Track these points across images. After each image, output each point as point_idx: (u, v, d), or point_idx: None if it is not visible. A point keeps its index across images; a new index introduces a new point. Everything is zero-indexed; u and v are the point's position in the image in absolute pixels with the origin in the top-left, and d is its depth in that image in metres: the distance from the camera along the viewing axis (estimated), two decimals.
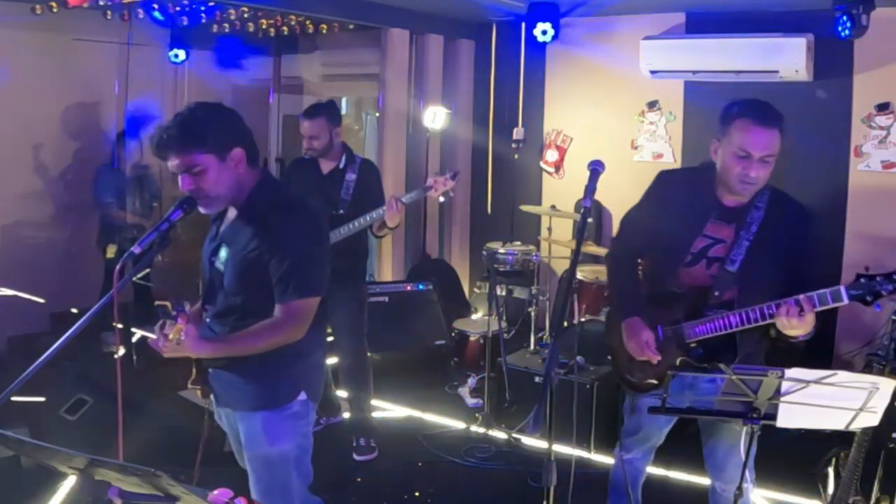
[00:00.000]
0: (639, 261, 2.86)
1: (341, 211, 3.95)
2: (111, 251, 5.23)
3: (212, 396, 2.54)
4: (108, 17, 5.85)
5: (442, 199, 4.01)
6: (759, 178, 2.48)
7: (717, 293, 2.55)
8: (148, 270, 5.06)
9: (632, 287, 2.75)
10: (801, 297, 2.33)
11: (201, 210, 2.37)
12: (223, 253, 2.42)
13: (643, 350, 2.62)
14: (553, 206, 5.73)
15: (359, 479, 3.97)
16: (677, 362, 2.61)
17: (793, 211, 2.63)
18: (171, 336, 2.14)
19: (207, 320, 2.50)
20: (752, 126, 2.45)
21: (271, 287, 2.33)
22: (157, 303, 2.20)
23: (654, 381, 2.70)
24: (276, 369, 2.42)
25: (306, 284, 2.33)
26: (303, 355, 2.47)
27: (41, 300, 5.46)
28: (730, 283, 2.53)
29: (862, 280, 2.28)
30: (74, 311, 5.73)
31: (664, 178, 2.73)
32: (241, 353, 2.34)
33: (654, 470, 3.78)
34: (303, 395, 2.48)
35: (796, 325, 2.34)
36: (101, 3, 5.63)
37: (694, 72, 5.37)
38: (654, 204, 2.58)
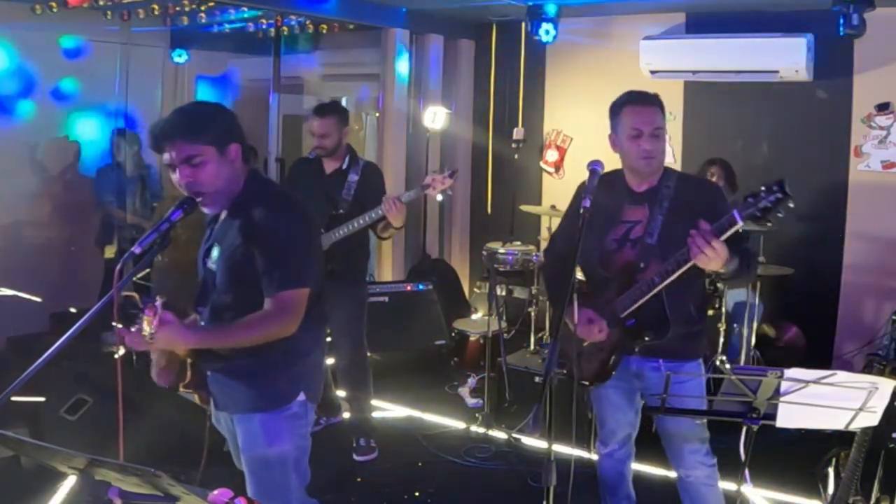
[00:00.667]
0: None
1: (341, 211, 3.95)
2: (110, 251, 5.22)
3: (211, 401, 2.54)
4: (108, 17, 5.85)
5: (440, 197, 4.00)
6: (656, 150, 2.72)
7: (641, 265, 2.69)
8: (148, 270, 5.05)
9: (568, 289, 2.81)
10: (701, 228, 2.41)
11: (204, 210, 2.37)
12: (215, 252, 2.42)
13: (590, 326, 2.72)
14: (553, 206, 5.73)
15: (359, 479, 3.97)
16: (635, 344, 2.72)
17: (700, 183, 2.91)
18: (145, 330, 2.08)
19: (202, 323, 2.48)
20: (636, 108, 2.75)
21: (260, 283, 2.32)
22: (124, 293, 2.14)
23: (601, 370, 2.79)
24: (275, 370, 2.41)
25: (292, 275, 2.31)
26: (301, 355, 2.46)
27: (40, 300, 5.46)
28: (651, 255, 2.68)
29: (749, 199, 2.36)
30: (74, 310, 5.72)
31: (582, 187, 2.86)
32: (230, 344, 2.31)
33: (653, 470, 3.79)
34: (301, 396, 2.47)
35: (711, 259, 2.40)
36: (101, 3, 5.63)
37: (694, 72, 5.37)
38: (576, 211, 2.68)
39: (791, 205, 2.32)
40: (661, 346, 2.69)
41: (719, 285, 4.55)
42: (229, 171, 2.34)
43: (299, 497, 2.55)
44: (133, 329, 2.14)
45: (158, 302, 2.11)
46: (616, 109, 2.80)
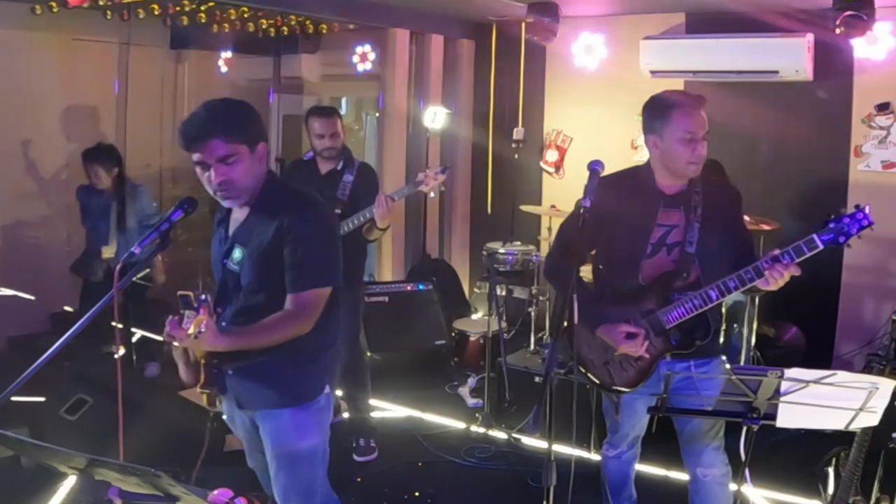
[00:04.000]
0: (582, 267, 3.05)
1: (337, 211, 3.93)
2: (109, 252, 5.18)
3: (223, 400, 2.54)
4: (108, 17, 5.85)
5: (433, 194, 3.99)
6: (704, 155, 2.68)
7: (684, 275, 2.68)
8: (148, 270, 5.04)
9: (587, 297, 2.79)
10: (776, 253, 2.46)
11: (225, 204, 2.39)
12: (237, 254, 2.41)
13: (634, 342, 2.68)
14: (553, 206, 5.73)
15: (359, 479, 3.97)
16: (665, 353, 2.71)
17: (726, 190, 2.87)
18: (190, 329, 2.09)
19: (223, 323, 2.47)
20: (690, 111, 2.65)
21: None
22: (179, 293, 2.16)
23: (638, 379, 2.77)
24: (303, 365, 2.43)
25: (319, 274, 2.35)
26: (325, 347, 2.49)
27: (39, 300, 5.46)
28: (691, 264, 2.67)
29: (830, 224, 2.40)
30: (70, 309, 5.71)
31: (604, 183, 2.74)
32: (256, 345, 2.33)
33: (654, 470, 3.79)
34: (327, 388, 2.51)
35: (779, 281, 2.46)
36: (101, 3, 5.63)
37: (694, 72, 5.37)
38: (599, 209, 2.57)
39: (871, 229, 2.34)
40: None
41: None
42: (258, 170, 2.36)
43: (324, 490, 2.59)
44: (182, 324, 2.14)
45: (210, 300, 2.14)
46: (665, 111, 2.67)
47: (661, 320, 2.68)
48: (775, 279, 2.44)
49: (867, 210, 2.35)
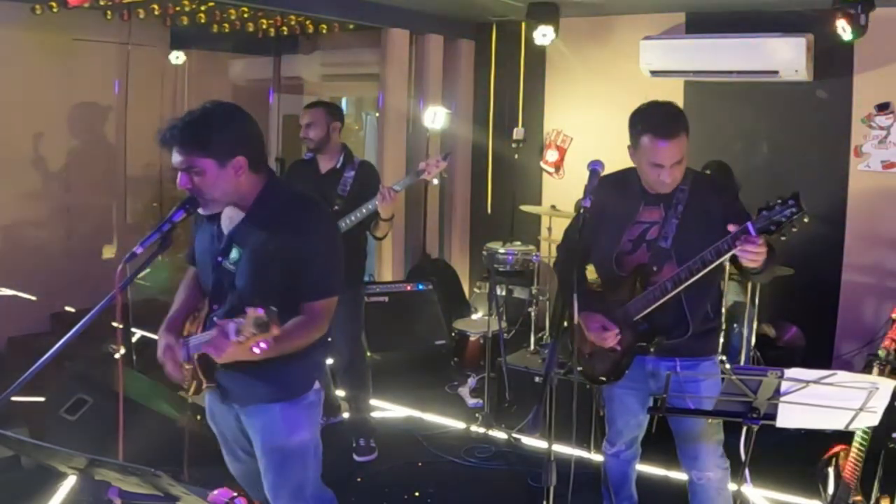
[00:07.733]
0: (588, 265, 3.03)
1: (336, 207, 3.93)
2: (109, 251, 5.18)
3: (207, 395, 2.53)
4: (108, 18, 5.84)
5: (436, 181, 3.99)
6: (676, 178, 2.68)
7: (654, 268, 2.69)
8: (148, 271, 5.02)
9: (581, 286, 2.82)
10: (719, 244, 2.46)
11: (200, 211, 2.37)
12: (234, 254, 2.40)
13: (602, 332, 2.71)
14: (553, 206, 5.73)
15: (359, 480, 3.98)
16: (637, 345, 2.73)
17: (715, 184, 2.86)
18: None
19: (215, 319, 2.47)
20: (658, 142, 2.61)
21: (288, 286, 2.33)
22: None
23: (613, 369, 2.79)
24: (292, 360, 2.41)
25: (328, 284, 2.38)
26: (316, 345, 2.49)
27: (39, 300, 5.46)
28: (665, 259, 2.66)
29: (763, 213, 2.38)
30: (70, 309, 5.71)
31: (600, 183, 2.80)
32: (274, 354, 2.25)
33: (654, 470, 3.79)
34: (317, 385, 2.52)
35: (751, 259, 2.41)
36: (101, 3, 5.63)
37: (694, 72, 5.37)
38: (595, 209, 2.62)
39: (806, 219, 2.33)
40: (677, 345, 2.69)
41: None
42: (229, 184, 2.30)
43: (315, 485, 2.59)
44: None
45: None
46: (636, 132, 2.67)
47: (629, 312, 2.72)
48: (750, 256, 2.40)
49: (801, 199, 2.34)
